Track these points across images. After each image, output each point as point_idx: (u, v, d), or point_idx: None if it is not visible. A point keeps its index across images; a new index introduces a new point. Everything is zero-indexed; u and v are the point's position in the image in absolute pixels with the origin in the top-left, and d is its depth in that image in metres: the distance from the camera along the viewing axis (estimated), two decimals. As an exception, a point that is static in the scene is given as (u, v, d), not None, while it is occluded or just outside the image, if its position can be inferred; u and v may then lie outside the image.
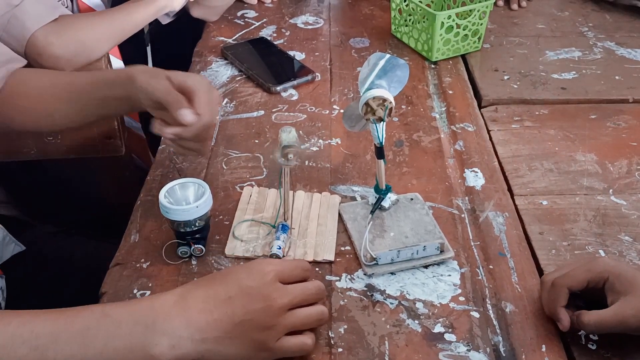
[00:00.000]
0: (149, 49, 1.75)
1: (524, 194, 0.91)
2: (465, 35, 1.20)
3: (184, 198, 0.77)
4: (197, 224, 0.76)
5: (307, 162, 0.95)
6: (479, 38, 1.22)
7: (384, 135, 0.77)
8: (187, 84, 0.80)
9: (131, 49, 1.37)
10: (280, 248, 0.75)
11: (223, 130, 1.03)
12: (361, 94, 0.75)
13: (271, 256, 0.75)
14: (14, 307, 0.93)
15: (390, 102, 0.74)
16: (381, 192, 0.82)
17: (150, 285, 0.76)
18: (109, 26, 1.10)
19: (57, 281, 1.00)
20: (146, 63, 1.74)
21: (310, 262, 0.76)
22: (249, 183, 0.92)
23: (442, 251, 0.78)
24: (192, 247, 0.77)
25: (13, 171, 1.29)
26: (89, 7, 1.20)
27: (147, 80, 0.81)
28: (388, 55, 0.74)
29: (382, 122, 0.75)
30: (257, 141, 1.01)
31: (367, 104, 0.74)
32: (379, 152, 0.78)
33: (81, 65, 1.08)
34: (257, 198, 0.86)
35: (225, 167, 0.95)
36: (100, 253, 1.08)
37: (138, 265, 0.79)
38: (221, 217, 0.85)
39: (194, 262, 0.79)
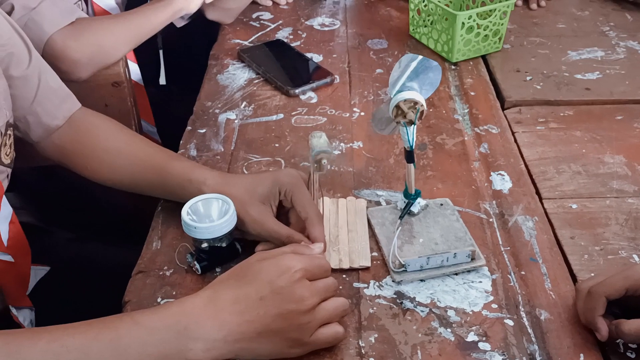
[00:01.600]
0: (161, 52, 1.74)
1: (553, 197, 0.89)
2: (486, 35, 1.18)
3: (206, 214, 0.75)
4: (219, 241, 0.74)
5: (329, 167, 0.93)
6: (500, 38, 1.20)
7: (415, 139, 0.75)
8: (302, 215, 0.76)
9: (144, 52, 1.36)
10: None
11: (242, 134, 1.02)
12: (391, 96, 0.73)
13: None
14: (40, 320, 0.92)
15: (422, 105, 0.72)
16: (410, 197, 0.80)
17: (174, 293, 0.75)
18: (126, 29, 1.09)
19: (79, 289, 0.99)
20: (159, 66, 1.74)
21: (345, 270, 0.75)
22: (271, 188, 0.90)
23: (473, 259, 0.76)
24: (197, 265, 0.76)
25: (27, 176, 1.27)
26: (104, 10, 1.19)
27: (252, 220, 0.76)
28: (420, 57, 0.72)
29: (412, 126, 0.73)
30: (277, 145, 0.99)
31: (397, 106, 0.72)
32: (409, 156, 0.77)
33: (98, 68, 1.06)
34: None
35: (246, 172, 0.94)
36: (120, 259, 1.07)
37: (161, 273, 0.78)
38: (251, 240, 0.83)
39: (218, 270, 0.77)
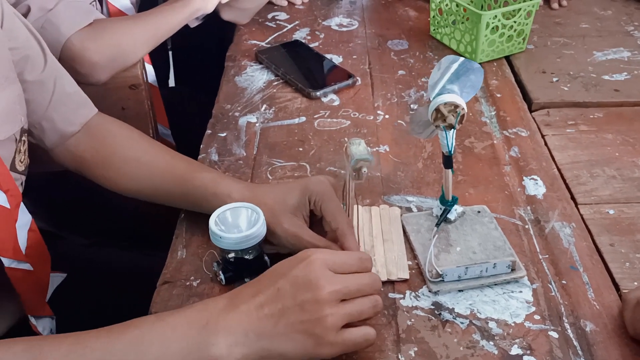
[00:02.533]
0: (170, 53, 1.71)
1: (589, 202, 0.86)
2: (510, 35, 1.16)
3: (235, 225, 0.72)
4: (249, 253, 0.71)
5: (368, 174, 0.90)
6: (524, 39, 1.18)
7: (454, 144, 0.72)
8: (332, 225, 0.73)
9: (153, 54, 1.34)
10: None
11: (264, 137, 0.99)
12: (431, 98, 0.70)
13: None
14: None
15: (463, 109, 0.69)
16: (447, 204, 0.77)
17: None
18: (144, 30, 1.06)
19: (97, 296, 0.96)
20: (167, 68, 1.71)
21: (383, 282, 0.72)
22: (297, 194, 0.87)
23: (513, 269, 0.73)
24: (221, 275, 0.73)
25: (39, 180, 1.24)
26: (119, 10, 1.16)
27: (286, 232, 0.73)
28: (462, 59, 0.70)
29: (452, 130, 0.71)
30: (301, 149, 0.96)
31: (437, 109, 0.69)
32: (447, 161, 0.74)
33: (117, 70, 1.04)
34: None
35: (270, 177, 0.91)
36: (136, 265, 1.05)
37: (188, 283, 0.75)
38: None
39: (246, 280, 0.74)
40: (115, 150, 0.86)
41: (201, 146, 0.98)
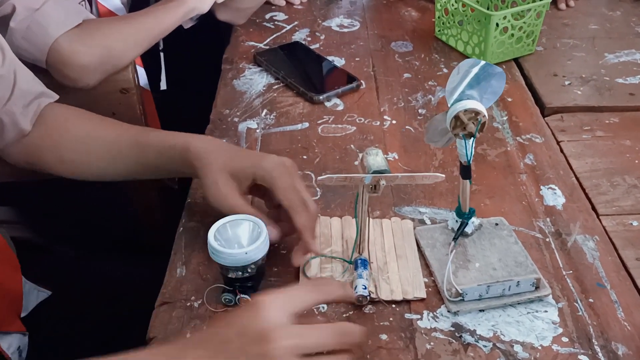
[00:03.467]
0: (162, 55, 1.65)
1: (610, 213, 0.82)
2: (519, 37, 1.11)
3: (236, 239, 0.67)
4: (249, 270, 0.66)
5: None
6: (533, 40, 1.13)
7: (473, 153, 0.67)
8: (283, 204, 0.70)
9: (144, 55, 1.28)
10: (365, 288, 0.66)
11: (266, 145, 0.94)
12: (449, 105, 0.66)
13: (357, 298, 0.65)
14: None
15: (484, 116, 0.65)
16: (464, 216, 0.73)
17: (205, 328, 0.67)
18: (136, 31, 1.00)
19: (87, 317, 0.90)
20: (159, 70, 1.65)
21: (398, 302, 0.67)
22: (303, 205, 0.82)
23: (537, 287, 0.69)
24: (238, 297, 0.67)
25: (25, 189, 1.18)
26: (109, 11, 1.10)
27: (216, 189, 0.71)
28: (482, 62, 0.65)
29: (472, 139, 0.66)
30: (305, 157, 0.91)
31: (457, 117, 0.65)
32: (465, 172, 0.69)
33: (107, 74, 0.98)
34: (321, 229, 0.76)
35: (273, 187, 0.86)
36: (132, 280, 0.99)
37: (188, 304, 0.69)
38: (276, 245, 0.75)
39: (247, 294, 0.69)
40: (66, 131, 0.83)
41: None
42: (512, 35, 1.10)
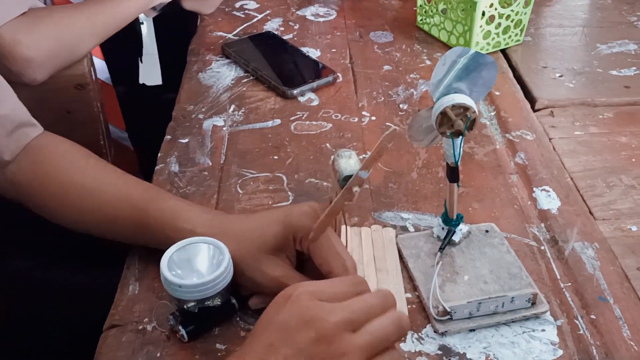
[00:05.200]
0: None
1: (607, 217, 0.75)
2: (507, 26, 1.04)
3: (192, 266, 0.57)
4: (208, 304, 0.57)
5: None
6: (522, 30, 1.06)
7: (461, 153, 0.60)
8: (322, 269, 0.58)
9: (115, 46, 1.19)
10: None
11: (233, 144, 0.85)
12: (434, 100, 0.58)
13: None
14: None
15: (474, 112, 0.57)
16: (452, 223, 0.65)
17: (158, 355, 0.58)
18: (91, 21, 0.91)
19: (41, 331, 0.82)
20: (128, 61, 1.55)
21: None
22: (273, 211, 0.74)
23: (533, 303, 0.61)
24: (182, 331, 0.58)
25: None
26: (65, -2, 1.01)
27: (270, 279, 0.58)
28: (472, 51, 0.57)
29: (460, 137, 0.58)
30: (276, 157, 0.83)
31: (443, 113, 0.57)
32: (453, 174, 0.62)
33: (58, 68, 0.89)
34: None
35: (240, 191, 0.77)
36: (91, 292, 0.91)
37: (141, 327, 0.61)
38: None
39: (217, 329, 0.61)
40: (55, 176, 0.70)
41: (159, 155, 0.84)
42: (499, 24, 1.03)
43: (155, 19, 1.15)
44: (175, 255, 0.56)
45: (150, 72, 1.64)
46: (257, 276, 0.59)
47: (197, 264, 0.56)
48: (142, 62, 1.49)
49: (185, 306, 0.56)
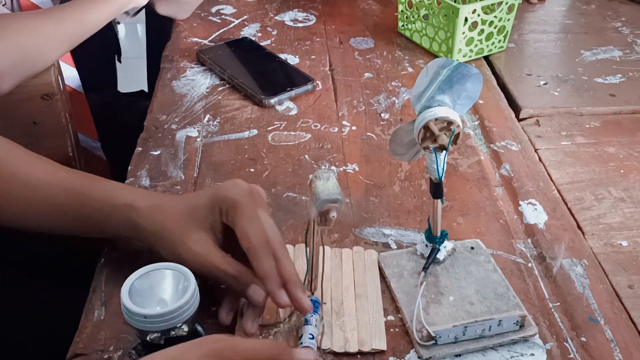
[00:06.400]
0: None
1: (596, 232, 0.72)
2: (490, 33, 1.01)
3: (157, 294, 0.53)
4: (173, 334, 0.53)
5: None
6: (505, 36, 1.04)
7: (445, 169, 0.57)
8: (242, 243, 0.57)
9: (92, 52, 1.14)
10: (313, 337, 0.54)
11: (207, 155, 0.82)
12: (417, 112, 0.55)
13: (302, 350, 0.54)
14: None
15: (458, 126, 0.54)
16: (436, 241, 0.62)
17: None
18: (59, 27, 0.86)
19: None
20: (106, 68, 1.50)
21: (353, 354, 0.56)
22: (248, 228, 0.71)
23: (522, 326, 0.58)
24: None
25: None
26: (33, 4, 0.97)
27: (194, 255, 0.58)
28: (455, 62, 0.54)
29: (444, 152, 0.55)
30: (252, 170, 0.79)
31: (426, 127, 0.54)
32: (437, 190, 0.59)
33: (23, 78, 0.84)
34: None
35: (215, 207, 0.74)
36: (62, 310, 0.86)
37: (107, 355, 0.57)
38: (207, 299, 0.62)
39: None
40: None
41: (129, 168, 0.80)
42: (482, 31, 1.00)
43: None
44: (137, 283, 0.52)
45: (131, 78, 1.59)
46: (181, 251, 0.58)
47: (161, 292, 0.52)
48: (120, 62, 1.45)
49: (148, 338, 0.52)
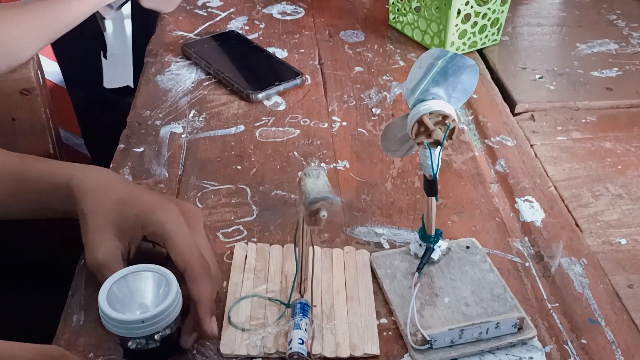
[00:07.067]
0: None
1: (594, 230, 0.70)
2: (484, 25, 0.99)
3: (137, 298, 0.51)
4: (155, 339, 0.50)
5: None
6: (498, 29, 1.01)
7: (440, 165, 0.54)
8: (178, 265, 0.54)
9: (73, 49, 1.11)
10: (302, 342, 0.51)
11: (193, 153, 0.79)
12: (410, 106, 0.52)
13: (290, 356, 0.51)
14: None
15: (454, 120, 0.51)
16: (430, 240, 0.60)
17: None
18: (36, 21, 0.83)
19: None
20: (90, 64, 1.46)
21: (345, 359, 0.53)
22: (235, 227, 0.68)
23: (520, 328, 0.56)
24: None
25: None
26: (9, -4, 0.93)
27: (95, 261, 0.56)
28: (450, 53, 0.52)
29: (438, 147, 0.53)
30: (239, 167, 0.77)
31: (420, 121, 0.51)
32: (431, 187, 0.56)
33: (0, 73, 0.81)
34: (256, 260, 0.61)
35: (200, 206, 0.71)
36: (47, 310, 0.84)
37: (86, 362, 0.54)
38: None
39: None
40: None
41: (111, 165, 0.77)
42: (476, 23, 0.98)
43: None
44: (115, 287, 0.50)
45: (116, 74, 1.56)
46: (89, 252, 0.56)
47: (141, 296, 0.50)
48: (105, 58, 1.41)
49: (129, 345, 0.49)
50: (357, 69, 0.96)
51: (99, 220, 0.57)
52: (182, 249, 0.54)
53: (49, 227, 1.03)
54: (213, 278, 0.54)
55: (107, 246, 0.56)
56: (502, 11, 0.99)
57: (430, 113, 0.51)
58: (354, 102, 0.89)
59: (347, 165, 0.77)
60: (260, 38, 1.04)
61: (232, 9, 1.13)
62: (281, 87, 0.89)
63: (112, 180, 0.60)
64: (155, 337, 0.49)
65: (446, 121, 0.52)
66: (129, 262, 0.57)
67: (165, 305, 0.48)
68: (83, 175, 0.60)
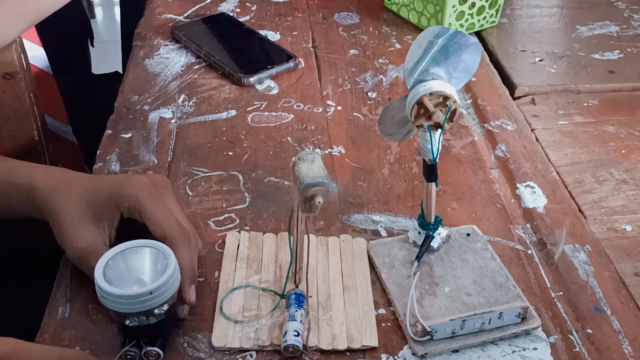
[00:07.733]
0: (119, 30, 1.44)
1: (598, 216, 0.68)
2: (481, 7, 0.96)
3: (134, 273, 0.50)
4: (155, 314, 0.49)
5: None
6: (497, 10, 0.99)
7: (440, 149, 0.52)
8: (157, 235, 0.54)
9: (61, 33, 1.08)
10: (298, 334, 0.49)
11: (182, 138, 0.76)
12: (409, 87, 0.50)
13: (286, 349, 0.49)
14: None
15: (455, 101, 0.49)
16: (429, 227, 0.57)
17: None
18: (19, 3, 0.80)
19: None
20: (77, 49, 1.43)
21: (342, 351, 0.51)
22: (227, 215, 0.65)
23: (524, 318, 0.54)
24: (144, 350, 0.49)
25: None
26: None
27: (75, 250, 0.55)
28: (451, 30, 0.49)
29: (439, 130, 0.50)
30: (231, 153, 0.74)
31: (420, 103, 0.49)
32: (430, 172, 0.54)
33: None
34: (249, 249, 0.59)
35: (190, 193, 0.68)
36: (32, 303, 0.81)
37: (71, 357, 0.52)
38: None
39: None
40: None
41: (98, 152, 0.74)
42: (473, 4, 0.95)
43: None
44: (112, 262, 0.48)
45: (104, 59, 1.52)
46: (67, 244, 0.56)
47: (138, 271, 0.48)
48: (92, 46, 1.38)
49: (127, 322, 0.47)
50: (352, 51, 0.94)
51: (71, 213, 0.55)
52: (158, 218, 0.53)
53: (33, 225, 1.01)
54: (192, 245, 0.54)
55: (87, 234, 0.55)
56: (501, -8, 0.97)
57: (431, 94, 0.49)
58: (349, 86, 0.86)
59: (343, 151, 0.75)
60: (252, 20, 1.01)
61: (223, -9, 1.09)
62: (274, 71, 0.87)
63: (73, 175, 0.60)
64: (156, 311, 0.47)
65: (447, 102, 0.49)
66: (111, 245, 0.56)
67: (167, 276, 0.47)
68: (44, 175, 0.59)
